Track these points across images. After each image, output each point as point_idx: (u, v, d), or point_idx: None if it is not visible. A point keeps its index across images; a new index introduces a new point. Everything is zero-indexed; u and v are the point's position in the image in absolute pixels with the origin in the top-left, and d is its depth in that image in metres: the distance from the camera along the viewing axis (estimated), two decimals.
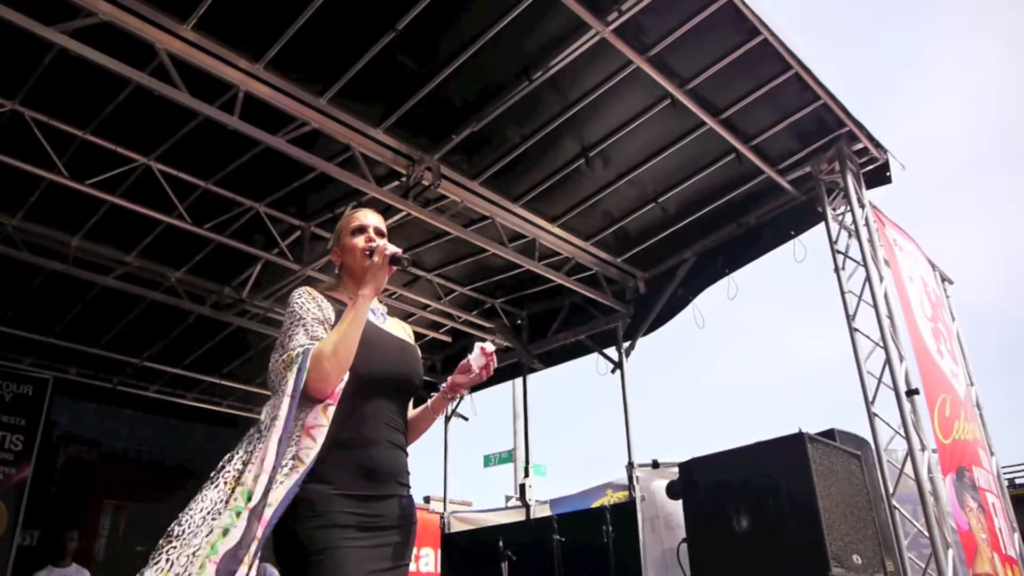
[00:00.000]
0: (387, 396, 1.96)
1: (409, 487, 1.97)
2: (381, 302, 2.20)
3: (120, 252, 6.87)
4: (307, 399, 1.81)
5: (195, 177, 6.01)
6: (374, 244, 2.05)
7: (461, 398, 9.18)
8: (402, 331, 2.19)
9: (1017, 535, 6.24)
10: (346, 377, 1.84)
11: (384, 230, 2.17)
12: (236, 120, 4.97)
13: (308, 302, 1.96)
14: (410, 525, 1.92)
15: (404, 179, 5.82)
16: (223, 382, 9.59)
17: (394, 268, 2.01)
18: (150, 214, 6.15)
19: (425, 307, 8.21)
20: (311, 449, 1.74)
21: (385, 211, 6.34)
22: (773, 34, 4.83)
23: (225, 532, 1.62)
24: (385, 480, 1.88)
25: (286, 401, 1.77)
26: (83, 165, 5.62)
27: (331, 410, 1.81)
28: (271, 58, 4.85)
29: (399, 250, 2.02)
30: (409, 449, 2.09)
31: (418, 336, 8.74)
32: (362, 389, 1.89)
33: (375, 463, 1.87)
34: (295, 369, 1.80)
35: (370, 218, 2.15)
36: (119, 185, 5.88)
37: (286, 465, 1.73)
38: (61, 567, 6.59)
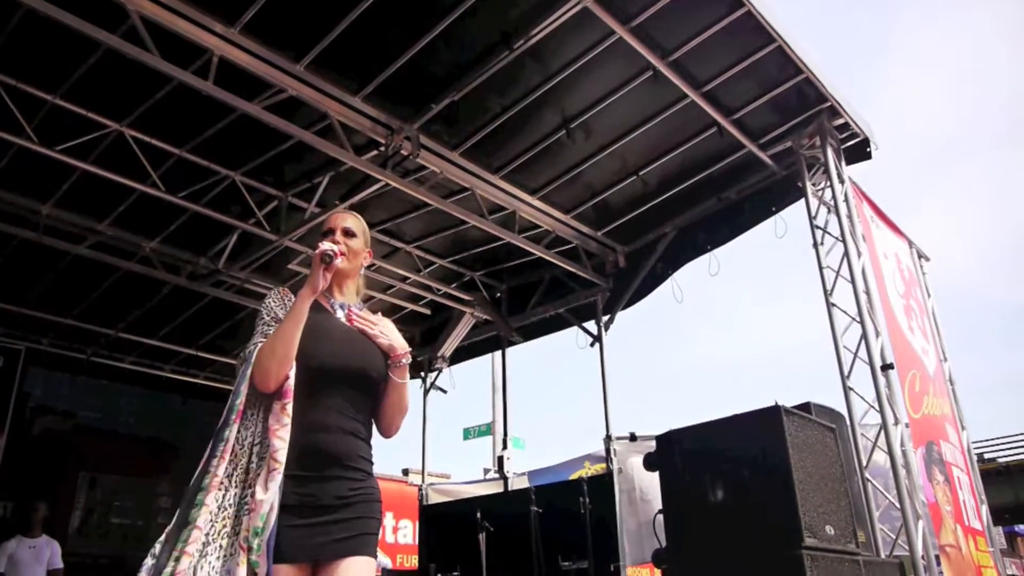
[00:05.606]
0: (341, 387, 1.99)
1: (360, 471, 1.96)
2: (357, 293, 2.23)
3: (92, 220, 6.74)
4: (265, 397, 1.89)
5: (169, 144, 5.90)
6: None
7: (439, 371, 9.18)
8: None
9: (985, 507, 6.37)
10: (293, 372, 1.89)
11: (354, 230, 2.19)
12: (211, 86, 4.86)
13: (274, 302, 2.06)
14: (353, 505, 1.91)
15: (383, 149, 5.73)
16: (200, 354, 9.51)
17: (326, 266, 2.01)
18: (123, 182, 6.03)
19: (404, 279, 8.16)
20: (281, 450, 1.81)
21: (363, 181, 6.28)
22: (755, 7, 4.79)
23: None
24: (327, 463, 1.91)
25: (231, 400, 1.88)
26: (53, 130, 5.49)
27: (290, 408, 1.86)
28: (246, 22, 4.73)
29: (330, 247, 2.03)
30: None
31: (396, 308, 8.74)
32: (314, 380, 1.94)
33: (317, 446, 1.91)
34: (245, 366, 1.92)
35: (338, 220, 2.19)
36: (91, 152, 5.75)
37: (260, 468, 1.81)
38: (31, 537, 6.57)
